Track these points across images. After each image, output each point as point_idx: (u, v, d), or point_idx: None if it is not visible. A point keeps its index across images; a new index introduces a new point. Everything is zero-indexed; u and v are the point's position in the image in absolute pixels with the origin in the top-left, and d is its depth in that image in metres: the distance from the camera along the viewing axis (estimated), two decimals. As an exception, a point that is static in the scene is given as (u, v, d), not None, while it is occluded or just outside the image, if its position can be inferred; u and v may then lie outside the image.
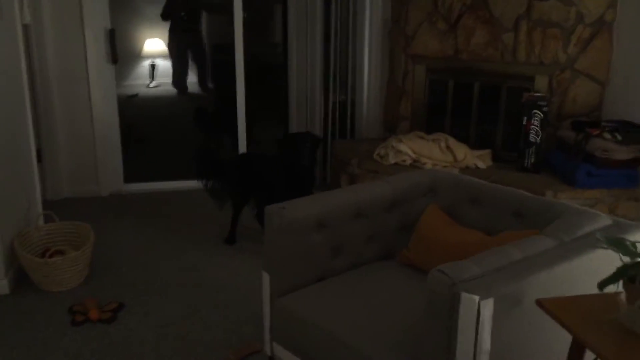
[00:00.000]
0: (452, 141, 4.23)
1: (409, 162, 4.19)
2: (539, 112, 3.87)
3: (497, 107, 4.28)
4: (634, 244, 1.50)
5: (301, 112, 4.91)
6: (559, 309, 1.65)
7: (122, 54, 10.05)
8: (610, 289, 1.55)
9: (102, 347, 2.79)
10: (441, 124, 4.55)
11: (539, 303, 1.68)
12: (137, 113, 8.69)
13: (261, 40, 7.02)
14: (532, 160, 3.96)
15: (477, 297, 1.62)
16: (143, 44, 10.05)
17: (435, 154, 4.18)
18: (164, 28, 9.58)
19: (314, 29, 4.77)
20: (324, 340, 2.04)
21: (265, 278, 2.33)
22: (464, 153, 4.18)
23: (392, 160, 4.21)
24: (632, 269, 1.49)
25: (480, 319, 1.63)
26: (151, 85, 10.24)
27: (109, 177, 4.87)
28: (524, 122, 3.91)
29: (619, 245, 1.50)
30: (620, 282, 1.53)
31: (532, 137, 3.92)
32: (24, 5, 3.78)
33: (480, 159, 4.18)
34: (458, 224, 2.44)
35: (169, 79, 10.14)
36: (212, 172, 3.90)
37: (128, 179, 5.01)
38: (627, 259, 1.50)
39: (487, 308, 1.64)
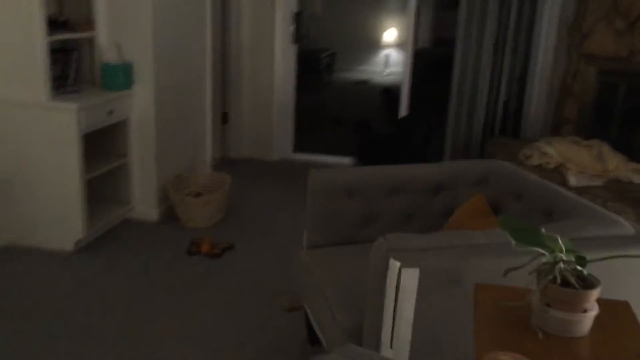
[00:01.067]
0: (606, 149, 3.88)
1: (552, 165, 3.95)
2: None
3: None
4: (541, 234, 1.41)
5: (462, 105, 4.87)
6: (487, 296, 1.60)
7: (362, 41, 10.79)
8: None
9: (201, 275, 3.29)
10: (606, 130, 4.17)
11: (476, 286, 1.65)
12: (348, 97, 9.25)
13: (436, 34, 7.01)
14: (694, 181, 3.46)
15: (398, 264, 1.67)
16: (382, 34, 10.61)
17: (584, 160, 3.87)
18: (400, 20, 9.99)
19: (485, 22, 4.69)
20: (311, 289, 2.22)
21: (305, 235, 2.56)
22: (616, 163, 3.80)
23: (535, 162, 4.01)
24: (542, 261, 1.40)
25: (401, 285, 1.68)
26: (385, 74, 10.78)
27: (281, 145, 5.43)
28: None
29: (516, 229, 1.41)
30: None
31: (698, 156, 3.43)
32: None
33: (636, 173, 3.76)
34: (496, 216, 2.37)
35: (399, 69, 10.57)
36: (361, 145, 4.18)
37: (298, 148, 5.53)
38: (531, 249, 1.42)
39: (410, 277, 1.67)
